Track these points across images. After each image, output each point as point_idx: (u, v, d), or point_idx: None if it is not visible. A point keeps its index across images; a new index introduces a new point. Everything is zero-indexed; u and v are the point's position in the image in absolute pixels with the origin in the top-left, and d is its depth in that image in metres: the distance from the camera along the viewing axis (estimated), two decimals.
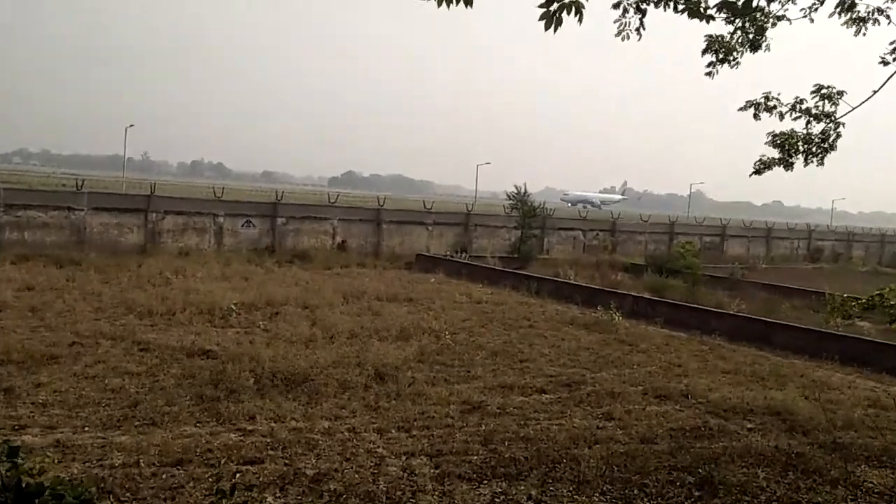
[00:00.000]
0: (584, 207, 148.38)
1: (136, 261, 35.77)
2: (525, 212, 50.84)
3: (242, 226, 44.66)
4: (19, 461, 5.16)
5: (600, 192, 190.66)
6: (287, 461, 11.97)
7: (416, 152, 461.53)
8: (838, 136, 12.17)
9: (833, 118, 12.11)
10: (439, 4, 6.99)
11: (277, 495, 10.76)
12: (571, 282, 36.13)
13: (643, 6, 8.79)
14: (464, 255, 45.70)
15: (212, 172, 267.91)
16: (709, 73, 11.06)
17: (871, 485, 12.45)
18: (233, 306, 23.99)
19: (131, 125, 61.38)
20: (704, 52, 11.00)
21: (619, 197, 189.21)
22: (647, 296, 32.74)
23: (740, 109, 12.26)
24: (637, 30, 8.92)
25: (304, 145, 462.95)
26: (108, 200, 41.26)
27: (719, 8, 8.91)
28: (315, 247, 46.07)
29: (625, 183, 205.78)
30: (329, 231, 47.57)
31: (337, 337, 20.92)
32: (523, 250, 49.46)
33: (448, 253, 47.88)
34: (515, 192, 52.29)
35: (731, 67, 10.92)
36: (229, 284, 30.07)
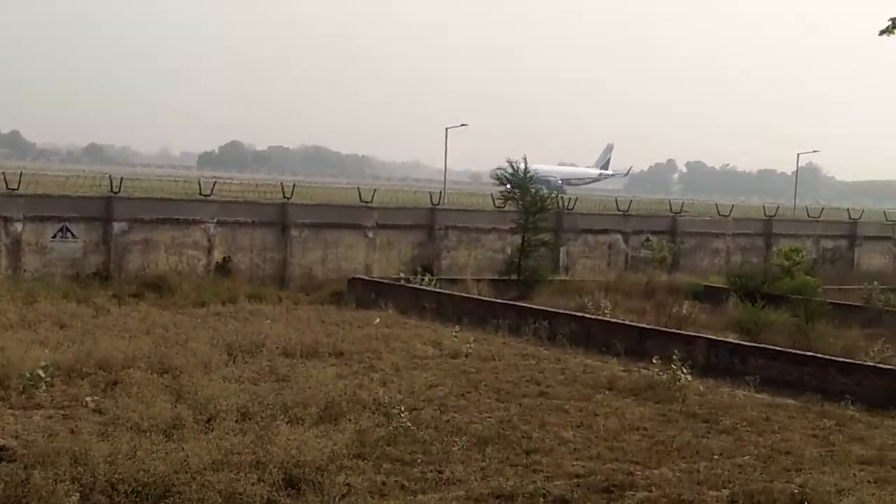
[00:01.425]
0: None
1: None
2: (528, 204, 51.07)
3: (55, 237, 44.30)
4: None
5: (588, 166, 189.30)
6: None
7: (344, 112, 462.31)
8: None
9: None
10: None
11: None
12: (608, 319, 36.24)
13: None
14: (428, 279, 45.69)
15: (1, 148, 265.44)
16: None
17: None
18: (41, 372, 23.62)
19: None
20: None
21: (599, 173, 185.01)
22: (731, 340, 32.87)
23: (883, 32, 12.46)
24: None
25: (153, 105, 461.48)
26: None
27: None
28: (179, 269, 45.88)
29: (608, 148, 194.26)
30: (202, 242, 47.38)
31: (218, 419, 20.73)
32: (527, 268, 49.59)
33: (402, 275, 47.87)
34: (510, 171, 52.52)
35: None
36: (34, 335, 29.71)
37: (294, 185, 55.27)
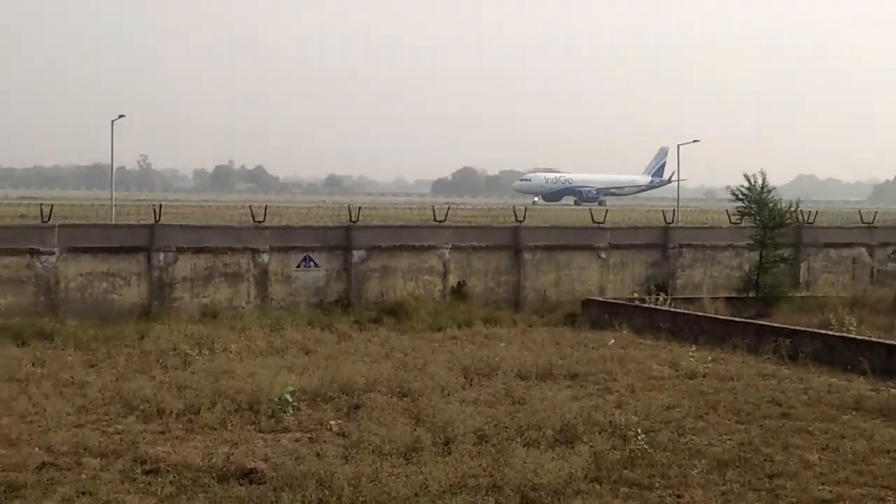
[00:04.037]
0: (576, 202, 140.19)
1: (137, 329, 37.53)
2: (766, 219, 49.70)
3: (299, 266, 45.95)
4: None
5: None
6: None
7: (574, 134, 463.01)
8: None
9: None
10: None
11: None
12: (853, 336, 34.94)
13: None
14: (662, 298, 45.11)
15: (247, 183, 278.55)
16: None
17: None
18: (288, 397, 24.67)
19: (121, 116, 63.85)
20: None
21: (649, 180, 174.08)
22: None
23: None
24: None
25: (389, 136, 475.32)
26: (90, 236, 43.52)
27: None
28: (415, 294, 46.81)
29: (662, 153, 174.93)
30: (437, 268, 48.19)
31: (456, 442, 21.12)
32: (766, 285, 48.31)
33: (636, 295, 47.42)
34: (746, 186, 51.23)
35: None
36: (282, 361, 30.99)
37: (525, 208, 55.59)
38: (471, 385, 28.16)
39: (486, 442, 21.35)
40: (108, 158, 68.81)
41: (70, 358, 32.06)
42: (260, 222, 47.15)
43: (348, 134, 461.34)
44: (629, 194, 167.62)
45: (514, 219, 52.95)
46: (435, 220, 51.50)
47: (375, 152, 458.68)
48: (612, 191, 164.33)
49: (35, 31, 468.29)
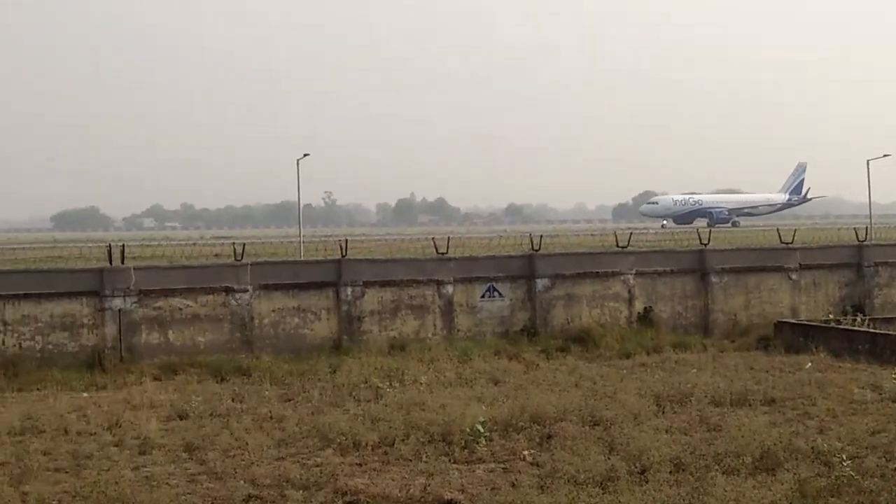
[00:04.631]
0: (708, 224, 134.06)
1: (329, 363, 38.46)
2: None
3: (483, 296, 46.27)
4: None
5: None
6: None
7: (757, 153, 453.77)
8: None
9: None
10: None
11: None
12: None
13: None
14: (860, 319, 43.71)
15: (429, 215, 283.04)
16: None
17: None
18: (480, 427, 24.85)
19: (306, 154, 65.81)
20: None
21: (787, 198, 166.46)
22: None
23: None
24: None
25: (568, 162, 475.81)
26: (280, 272, 44.99)
27: None
28: (601, 321, 46.51)
29: (800, 168, 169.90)
30: (622, 294, 47.78)
31: (652, 471, 20.92)
32: None
33: (831, 316, 46.03)
34: None
35: None
36: (471, 392, 31.26)
37: (710, 232, 54.76)
38: (663, 412, 27.85)
39: (684, 470, 21.06)
40: (294, 196, 70.84)
41: (267, 393, 33.03)
42: (443, 254, 47.70)
43: (527, 162, 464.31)
44: (764, 214, 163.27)
45: (698, 242, 52.20)
46: (617, 245, 51.21)
47: (554, 179, 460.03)
48: (746, 210, 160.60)
49: (225, 84, 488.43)
